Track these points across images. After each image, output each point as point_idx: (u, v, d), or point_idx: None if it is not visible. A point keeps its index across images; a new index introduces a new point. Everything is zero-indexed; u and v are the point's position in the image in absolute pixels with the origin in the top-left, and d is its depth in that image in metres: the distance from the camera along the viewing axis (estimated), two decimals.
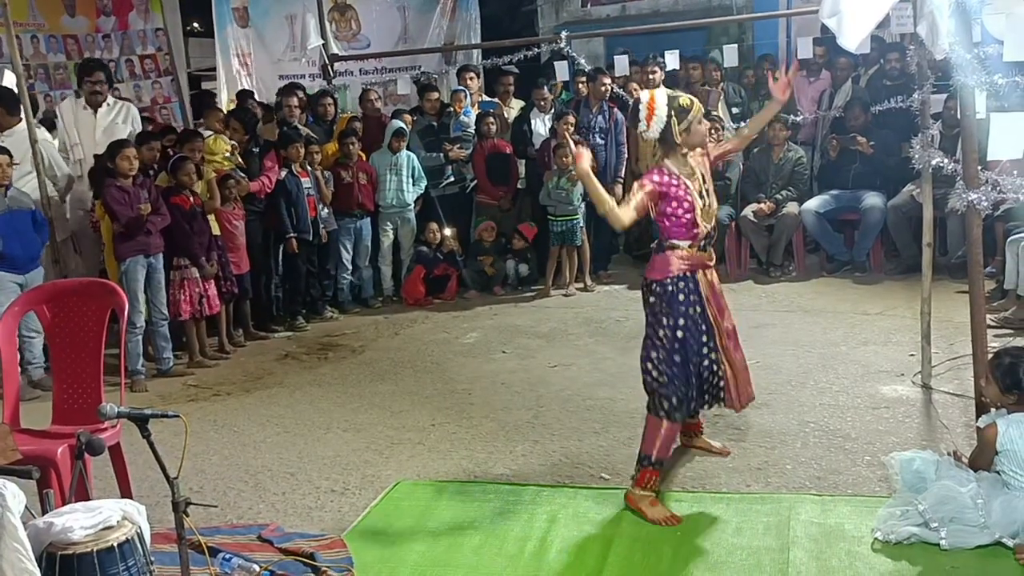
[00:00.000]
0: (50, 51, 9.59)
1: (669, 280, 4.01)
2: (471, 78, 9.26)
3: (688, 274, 4.03)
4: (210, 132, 7.62)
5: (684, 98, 4.03)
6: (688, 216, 3.99)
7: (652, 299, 4.06)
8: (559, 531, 3.92)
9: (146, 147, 6.81)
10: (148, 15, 10.08)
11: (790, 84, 4.34)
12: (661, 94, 4.05)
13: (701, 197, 4.03)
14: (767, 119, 4.68)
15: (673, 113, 3.97)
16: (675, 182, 3.99)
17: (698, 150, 4.14)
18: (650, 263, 4.14)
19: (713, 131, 8.23)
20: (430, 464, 4.75)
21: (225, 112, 8.29)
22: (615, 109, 8.66)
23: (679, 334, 4.00)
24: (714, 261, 4.19)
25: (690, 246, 4.02)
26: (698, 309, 4.03)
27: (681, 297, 4.00)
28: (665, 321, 4.00)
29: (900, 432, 4.70)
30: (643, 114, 4.00)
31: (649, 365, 4.06)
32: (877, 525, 3.68)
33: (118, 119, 7.47)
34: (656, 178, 3.98)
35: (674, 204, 3.98)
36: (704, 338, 4.05)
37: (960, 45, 4.19)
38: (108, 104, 7.45)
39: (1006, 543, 3.48)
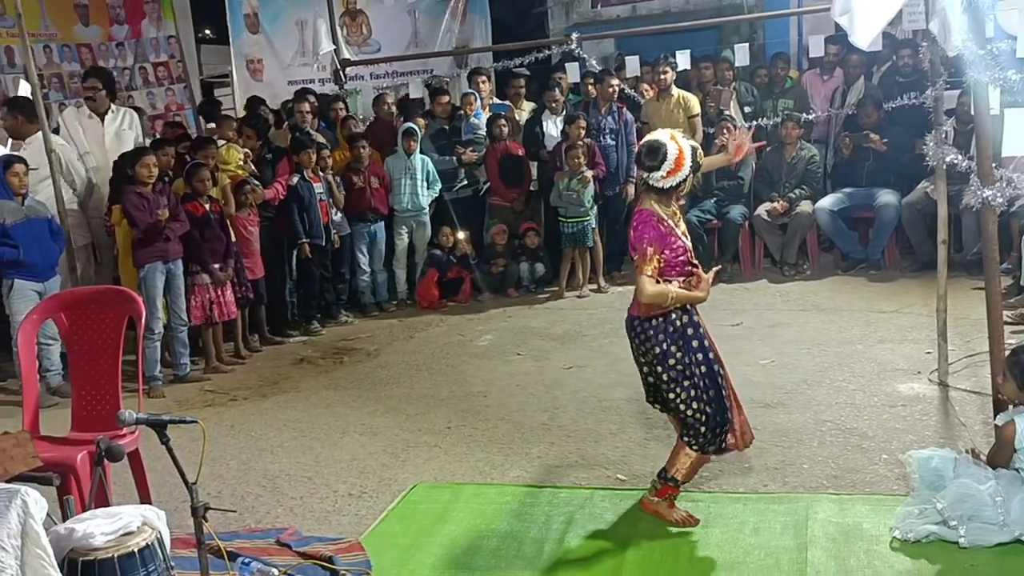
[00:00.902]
0: (63, 60, 9.66)
1: (672, 315, 3.81)
2: (483, 81, 9.27)
3: (687, 307, 3.86)
4: (223, 141, 7.66)
5: (700, 152, 3.89)
6: (682, 258, 3.84)
7: (658, 335, 3.81)
8: (576, 533, 3.93)
9: (161, 153, 6.86)
10: (160, 23, 10.16)
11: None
12: (689, 149, 3.81)
13: (685, 237, 3.89)
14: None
15: (691, 170, 3.82)
16: (666, 229, 3.81)
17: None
18: (635, 301, 3.88)
19: (725, 131, 8.25)
20: (446, 467, 4.76)
21: (237, 119, 8.33)
22: (624, 109, 8.65)
23: (703, 369, 3.82)
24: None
25: (682, 283, 3.83)
26: (705, 342, 3.86)
27: (690, 332, 3.83)
28: (683, 357, 3.80)
29: (917, 430, 4.68)
30: (666, 167, 3.76)
31: (680, 404, 3.84)
32: (895, 524, 3.67)
33: (124, 125, 7.54)
34: (654, 220, 3.79)
35: (667, 252, 3.79)
36: (716, 367, 3.88)
37: (973, 41, 4.18)
38: (112, 111, 7.52)
39: None
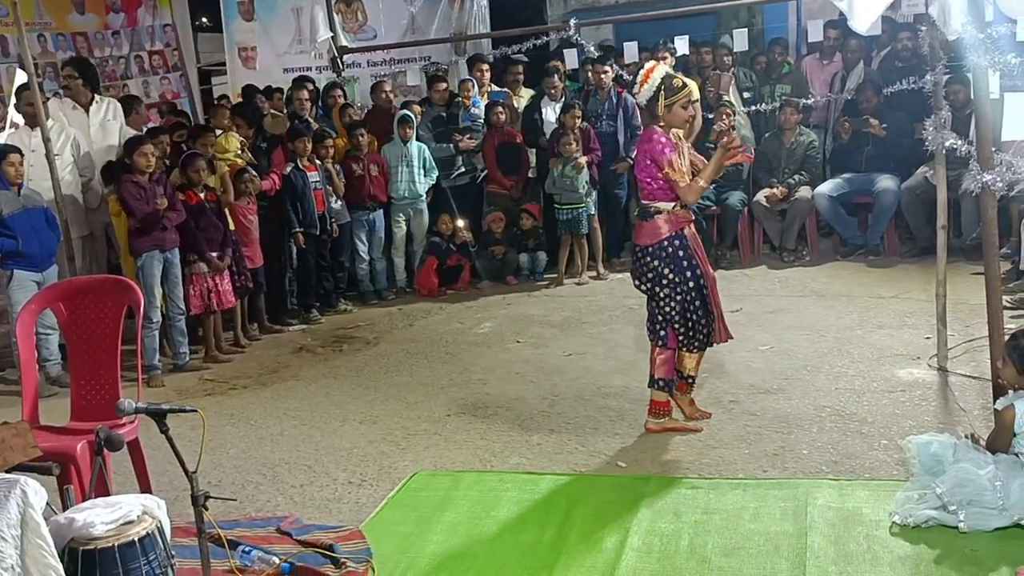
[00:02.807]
0: (58, 49, 9.60)
1: (665, 241, 4.44)
2: (484, 69, 9.24)
3: (677, 231, 4.45)
4: (220, 129, 7.64)
5: (679, 80, 4.42)
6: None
7: (654, 262, 4.48)
8: (576, 520, 3.93)
9: (155, 142, 6.83)
10: (156, 11, 10.11)
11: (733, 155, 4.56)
12: (661, 68, 4.47)
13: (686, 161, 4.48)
14: (711, 175, 4.61)
15: (663, 87, 4.37)
16: (673, 141, 4.43)
17: (684, 140, 4.53)
18: (637, 231, 4.59)
19: (724, 116, 8.24)
20: (446, 455, 4.76)
21: (230, 108, 8.30)
22: (623, 94, 8.63)
23: (691, 284, 4.47)
24: (693, 217, 4.62)
25: (673, 207, 4.45)
26: (694, 261, 4.48)
27: (681, 254, 4.45)
28: (674, 277, 4.45)
29: (917, 415, 4.69)
30: (639, 78, 4.46)
31: (673, 315, 4.52)
32: (895, 509, 3.67)
33: (108, 116, 7.54)
34: (663, 139, 4.39)
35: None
36: (703, 281, 4.52)
37: (972, 25, 4.16)
38: (97, 102, 7.51)
39: None
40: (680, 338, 4.61)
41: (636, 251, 4.60)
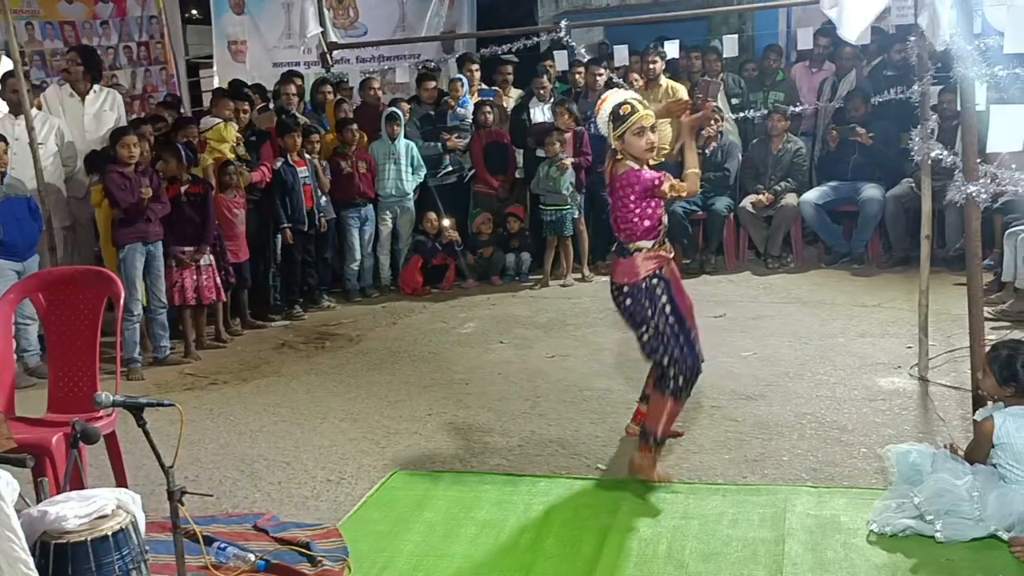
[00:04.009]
0: (46, 38, 9.53)
1: (643, 282, 4.11)
2: (474, 69, 9.22)
3: (658, 271, 4.14)
4: (219, 120, 7.59)
5: (627, 106, 4.05)
6: (660, 215, 4.12)
7: (628, 302, 4.16)
8: (555, 522, 3.92)
9: (137, 134, 6.76)
10: (146, 2, 10.03)
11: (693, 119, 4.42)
12: (614, 97, 4.13)
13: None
14: (690, 160, 4.39)
15: (611, 119, 4.07)
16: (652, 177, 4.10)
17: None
18: (616, 268, 4.23)
19: (713, 121, 8.26)
20: (427, 454, 4.74)
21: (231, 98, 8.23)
22: None
23: (671, 320, 4.11)
24: (672, 254, 4.30)
25: (653, 245, 4.13)
26: (674, 298, 4.16)
27: (659, 291, 4.12)
28: (652, 314, 4.10)
29: (897, 424, 4.70)
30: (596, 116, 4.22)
31: (655, 351, 4.15)
32: (873, 517, 3.67)
33: (105, 106, 7.49)
34: (644, 173, 4.06)
35: (652, 202, 4.09)
36: (685, 317, 4.20)
37: (961, 36, 4.18)
38: (95, 91, 7.46)
39: (1001, 536, 3.48)
40: (667, 375, 4.13)
41: (614, 292, 4.23)
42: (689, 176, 4.19)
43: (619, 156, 4.12)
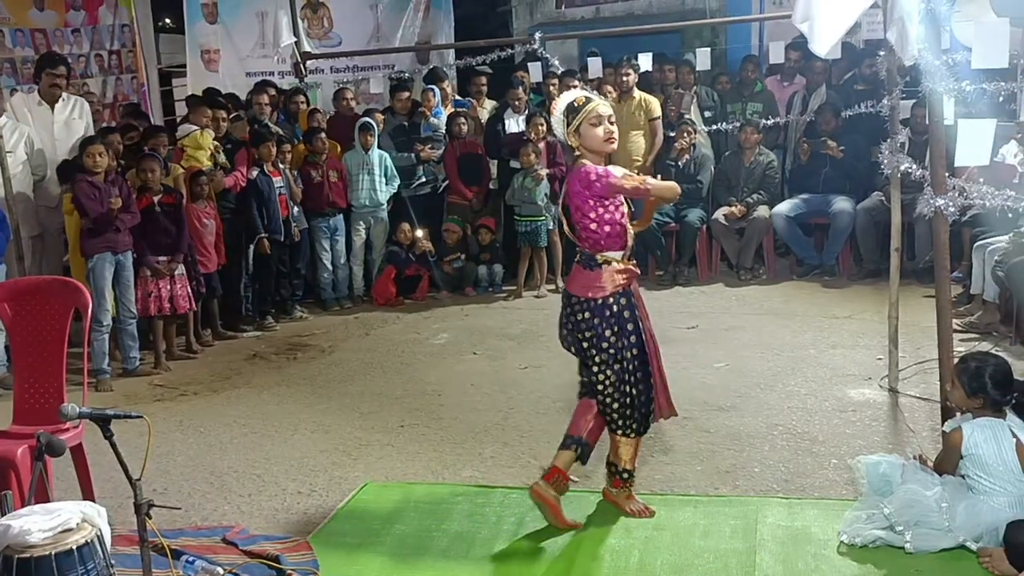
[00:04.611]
0: (16, 45, 9.43)
1: (610, 299, 3.79)
2: (445, 85, 9.25)
3: (627, 289, 3.83)
4: (196, 127, 7.53)
5: (580, 98, 3.82)
6: (621, 220, 3.81)
7: (585, 315, 3.80)
8: (527, 534, 3.91)
9: (105, 143, 6.69)
10: (118, 10, 9.96)
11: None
12: (567, 95, 3.91)
13: (624, 203, 3.87)
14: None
15: (565, 114, 3.82)
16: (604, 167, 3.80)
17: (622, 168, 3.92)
18: (575, 279, 3.89)
19: (685, 134, 8.30)
20: (398, 466, 4.72)
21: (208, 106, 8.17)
22: None
23: (634, 351, 3.81)
24: (639, 272, 3.98)
25: (622, 257, 3.83)
26: (639, 325, 3.84)
27: (626, 314, 3.80)
28: (616, 341, 3.79)
29: (867, 436, 4.73)
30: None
31: (604, 390, 3.85)
32: (843, 528, 3.69)
33: (74, 115, 7.40)
34: (598, 170, 3.74)
35: (611, 206, 3.78)
36: (648, 348, 3.88)
37: (929, 51, 4.23)
38: (63, 100, 7.38)
39: (970, 546, 3.51)
40: (613, 416, 3.88)
41: (569, 302, 3.86)
42: (656, 182, 3.90)
43: (577, 154, 3.85)
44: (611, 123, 3.81)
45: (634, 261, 3.95)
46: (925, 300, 6.46)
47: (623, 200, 3.85)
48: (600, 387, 3.86)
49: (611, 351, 3.80)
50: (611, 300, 3.79)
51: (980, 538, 3.51)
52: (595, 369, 3.85)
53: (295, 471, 4.71)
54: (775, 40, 9.22)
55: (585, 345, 3.85)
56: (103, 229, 6.28)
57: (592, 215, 3.77)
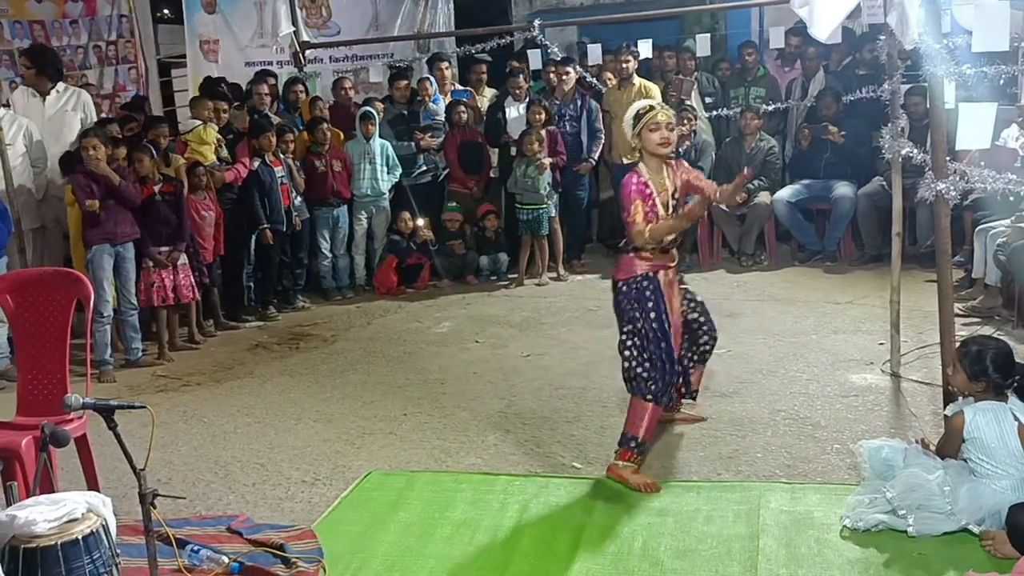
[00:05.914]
0: (15, 37, 9.41)
1: (633, 279, 4.24)
2: (444, 68, 9.20)
3: (651, 274, 4.24)
4: (199, 121, 7.52)
5: (646, 106, 4.29)
6: (652, 218, 4.19)
7: (620, 298, 4.29)
8: (530, 521, 3.92)
9: (99, 136, 6.66)
10: (116, 1, 9.94)
11: (738, 189, 4.34)
12: (639, 103, 4.34)
13: (665, 208, 4.24)
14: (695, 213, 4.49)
15: (633, 119, 4.28)
16: (647, 189, 4.21)
17: (676, 167, 4.36)
18: (617, 264, 4.37)
19: (685, 120, 8.28)
20: (402, 454, 4.73)
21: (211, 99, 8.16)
22: (587, 97, 8.66)
23: (654, 325, 4.19)
24: (676, 262, 4.41)
25: (653, 249, 4.23)
26: (661, 306, 4.22)
27: (648, 293, 4.22)
28: (638, 315, 4.21)
29: (869, 420, 4.74)
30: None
31: (628, 354, 4.24)
32: (846, 513, 3.70)
33: (67, 107, 7.38)
34: (634, 180, 4.21)
35: (647, 209, 4.19)
36: (668, 327, 4.24)
37: (929, 35, 4.21)
38: (57, 91, 7.36)
39: (972, 530, 3.52)
40: (631, 375, 4.24)
41: (613, 286, 4.39)
42: (654, 226, 4.15)
43: (639, 155, 4.33)
44: (669, 129, 4.24)
45: (671, 254, 4.35)
46: (927, 285, 6.47)
47: (656, 206, 4.21)
48: (624, 351, 4.26)
49: (632, 324, 4.23)
50: (635, 279, 4.24)
51: (982, 521, 3.52)
52: (623, 336, 4.27)
53: (299, 460, 4.73)
54: (775, 25, 9.19)
55: (619, 319, 4.32)
56: (98, 221, 6.26)
57: (626, 212, 4.23)
